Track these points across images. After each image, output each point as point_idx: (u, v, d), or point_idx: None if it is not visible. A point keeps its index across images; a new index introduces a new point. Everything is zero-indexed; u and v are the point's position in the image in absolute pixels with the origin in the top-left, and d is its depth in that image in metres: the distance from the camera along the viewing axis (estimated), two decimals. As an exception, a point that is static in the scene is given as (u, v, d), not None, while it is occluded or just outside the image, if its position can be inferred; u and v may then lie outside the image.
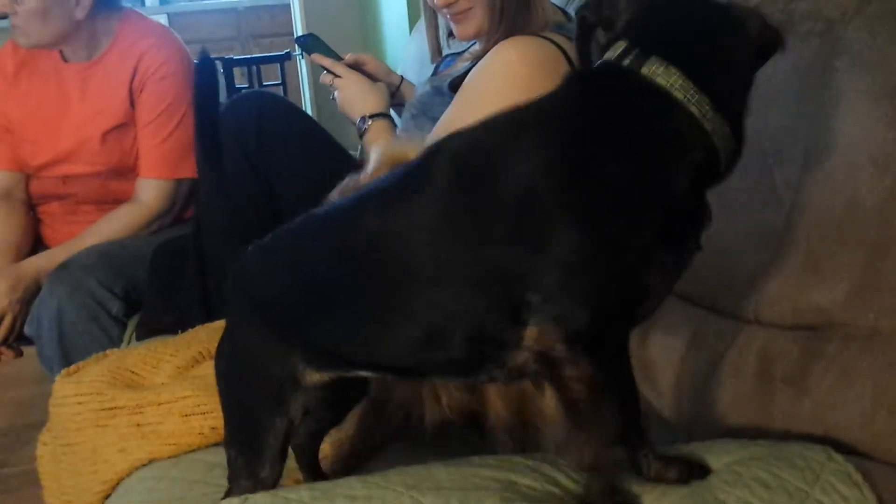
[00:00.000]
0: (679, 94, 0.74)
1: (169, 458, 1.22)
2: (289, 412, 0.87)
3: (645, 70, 0.75)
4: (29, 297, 1.81)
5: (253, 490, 0.86)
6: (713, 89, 0.74)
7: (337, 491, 0.80)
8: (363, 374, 0.88)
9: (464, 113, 1.47)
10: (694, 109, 0.74)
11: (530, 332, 0.75)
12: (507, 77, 1.45)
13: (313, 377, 0.87)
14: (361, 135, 1.65)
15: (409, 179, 0.83)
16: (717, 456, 0.85)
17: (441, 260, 0.77)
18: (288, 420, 0.87)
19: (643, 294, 0.76)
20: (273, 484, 0.88)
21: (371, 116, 1.63)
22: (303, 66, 3.78)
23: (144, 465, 1.23)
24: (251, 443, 0.89)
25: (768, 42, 0.81)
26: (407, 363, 0.83)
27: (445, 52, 1.77)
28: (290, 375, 0.87)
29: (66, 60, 1.95)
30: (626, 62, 0.77)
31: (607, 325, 0.75)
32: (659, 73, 0.74)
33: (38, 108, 1.95)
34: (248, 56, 3.76)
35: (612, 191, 0.73)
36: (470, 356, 0.79)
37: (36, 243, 2.01)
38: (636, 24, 0.80)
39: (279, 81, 3.91)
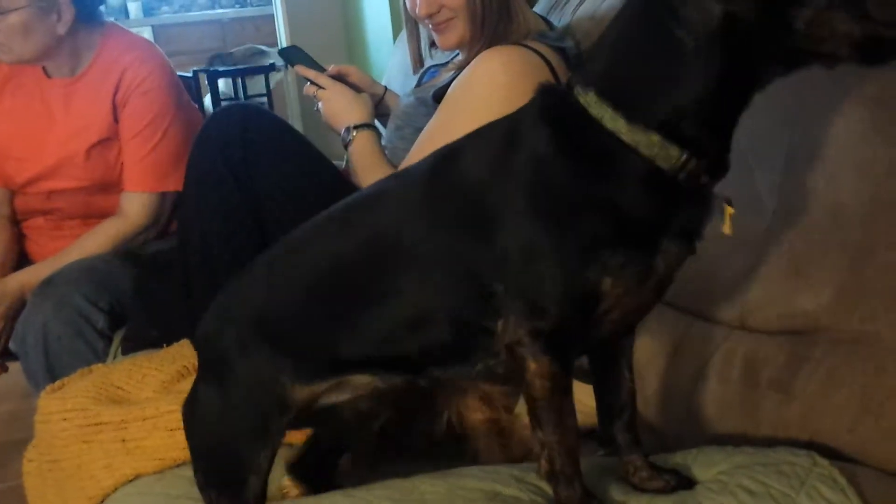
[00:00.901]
0: (594, 111, 0.79)
1: (154, 473, 1.21)
2: (273, 442, 0.90)
3: (576, 89, 0.82)
4: (13, 312, 1.79)
5: None
6: (628, 105, 0.78)
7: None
8: (357, 378, 0.89)
9: (447, 123, 1.48)
10: (609, 125, 0.78)
11: (501, 323, 0.80)
12: (490, 87, 1.45)
13: (302, 392, 0.88)
14: (346, 145, 1.65)
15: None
16: (703, 466, 0.85)
17: (423, 245, 0.85)
18: (272, 450, 0.90)
19: (592, 296, 0.79)
20: None
21: (356, 127, 1.63)
22: (288, 78, 3.78)
23: (130, 481, 1.22)
24: (232, 480, 0.91)
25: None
26: (400, 350, 0.86)
27: (428, 62, 1.77)
28: (276, 400, 0.89)
29: (49, 76, 1.94)
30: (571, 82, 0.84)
31: (564, 324, 0.79)
32: (579, 92, 0.81)
33: (22, 124, 1.94)
34: (234, 67, 3.76)
35: (550, 194, 0.80)
36: (457, 340, 0.84)
37: (20, 259, 1.99)
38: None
39: (264, 92, 3.91)
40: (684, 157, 0.78)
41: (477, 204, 0.82)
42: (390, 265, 0.86)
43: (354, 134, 1.62)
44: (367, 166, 1.58)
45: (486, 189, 0.82)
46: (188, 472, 1.17)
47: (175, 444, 1.20)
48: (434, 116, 1.53)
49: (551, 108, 0.84)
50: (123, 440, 1.24)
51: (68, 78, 1.92)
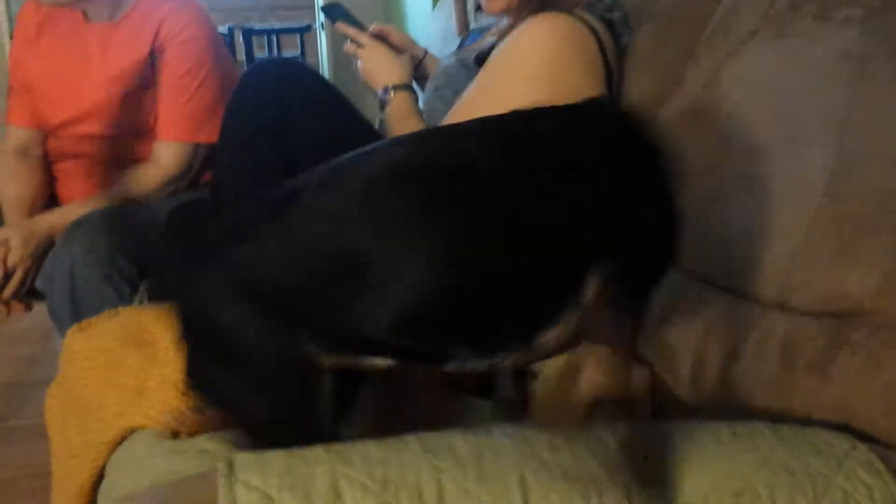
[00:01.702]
0: None
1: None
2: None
3: None
4: (41, 252, 1.80)
5: None
6: None
7: (353, 451, 0.79)
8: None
9: (488, 87, 1.46)
10: None
11: None
12: (535, 55, 1.43)
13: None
14: (383, 106, 1.64)
15: None
16: (744, 437, 0.84)
17: None
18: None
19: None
20: None
21: (394, 88, 1.62)
22: (322, 38, 3.76)
23: (138, 432, 1.22)
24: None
25: None
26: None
27: (472, 26, 1.76)
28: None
29: (88, 20, 1.93)
30: None
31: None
32: None
33: (58, 66, 1.94)
34: (270, 26, 3.73)
35: None
36: None
37: (50, 201, 2.00)
38: None
39: (298, 53, 3.89)
40: None
41: None
42: None
43: (392, 94, 1.61)
44: (403, 128, 1.57)
45: None
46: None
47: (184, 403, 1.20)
48: (475, 79, 1.51)
49: None
50: (140, 388, 1.24)
51: (107, 22, 1.91)
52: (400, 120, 1.59)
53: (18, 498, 1.98)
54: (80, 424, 1.31)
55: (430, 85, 1.70)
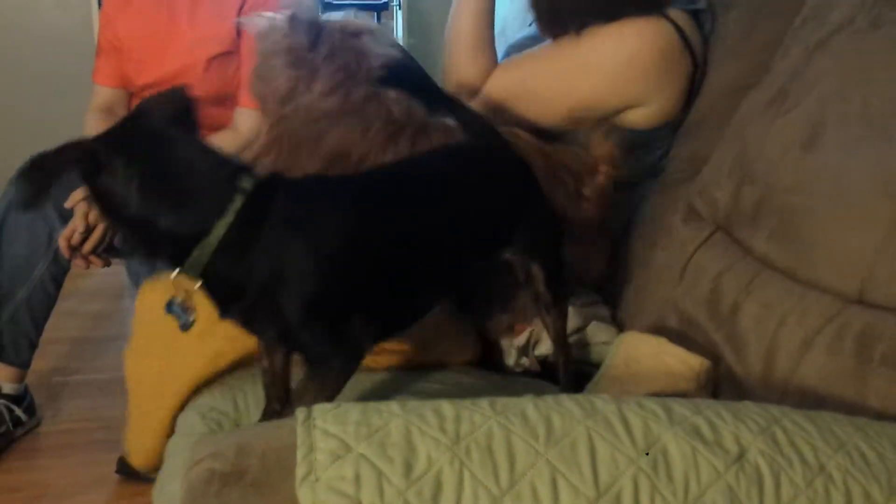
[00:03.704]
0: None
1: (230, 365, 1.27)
2: None
3: None
4: (122, 209, 1.84)
5: None
6: None
7: (426, 407, 0.80)
8: None
9: (557, 56, 1.48)
10: None
11: None
12: (616, 47, 1.45)
13: None
14: None
15: None
16: (823, 423, 0.83)
17: None
18: None
19: None
20: None
21: None
22: (398, 15, 3.78)
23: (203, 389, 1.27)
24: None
25: None
26: None
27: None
28: None
29: (178, -16, 1.97)
30: None
31: None
32: None
33: (147, 28, 1.98)
34: (347, 1, 3.76)
35: None
36: None
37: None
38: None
39: (375, 28, 3.92)
40: None
41: None
42: None
43: None
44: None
45: None
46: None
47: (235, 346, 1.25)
48: (549, 44, 1.51)
49: None
50: (204, 338, 1.27)
51: (198, -12, 1.95)
52: (455, 28, 1.55)
53: (88, 449, 2.04)
54: (156, 365, 1.35)
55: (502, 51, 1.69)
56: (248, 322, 1.03)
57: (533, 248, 1.18)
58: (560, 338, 1.24)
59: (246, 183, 0.97)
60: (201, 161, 0.99)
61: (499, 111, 1.48)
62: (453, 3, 1.56)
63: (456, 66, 1.54)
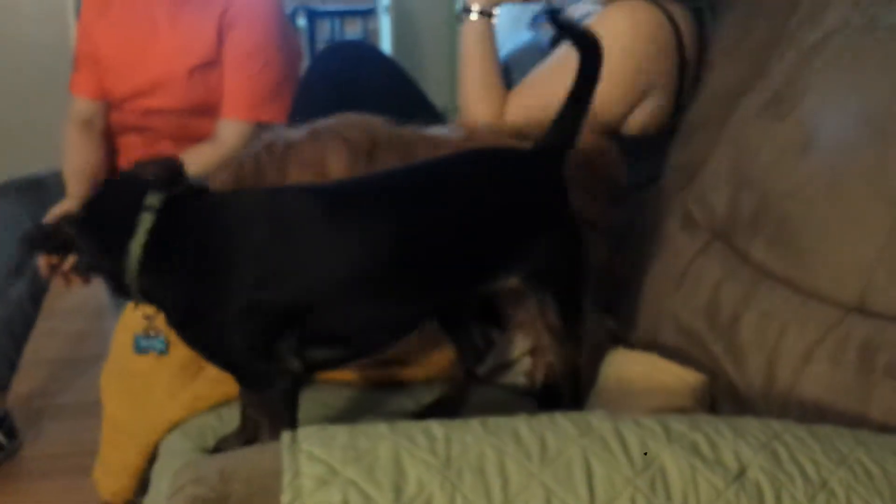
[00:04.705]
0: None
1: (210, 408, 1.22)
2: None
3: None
4: (102, 224, 1.81)
5: None
6: None
7: (415, 429, 0.77)
8: None
9: (557, 71, 1.44)
10: None
11: None
12: (612, 47, 1.41)
13: None
14: (459, 20, 1.59)
15: None
16: (824, 437, 0.81)
17: None
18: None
19: None
20: None
21: (480, 12, 1.56)
22: (384, 22, 3.78)
23: (184, 422, 1.23)
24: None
25: None
26: None
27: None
28: None
29: (158, -7, 1.94)
30: None
31: None
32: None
33: (126, 38, 1.94)
34: (333, 8, 3.77)
35: None
36: None
37: (112, 173, 2.01)
38: None
39: (361, 35, 3.92)
40: None
41: None
42: None
43: (473, 18, 1.55)
44: (469, 61, 1.55)
45: None
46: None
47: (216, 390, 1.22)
48: (546, 62, 1.49)
49: None
50: (190, 367, 1.24)
51: (177, -4, 1.91)
52: (467, 49, 1.56)
53: (67, 473, 1.98)
54: (131, 401, 1.31)
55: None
56: (190, 345, 1.01)
57: (547, 275, 1.04)
58: (571, 369, 1.11)
59: (152, 200, 0.95)
60: (117, 190, 1.03)
61: (526, 134, 1.46)
62: (460, 49, 1.58)
63: (472, 105, 1.55)
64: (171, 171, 1.00)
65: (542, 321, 1.07)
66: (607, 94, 1.31)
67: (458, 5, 1.59)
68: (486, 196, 1.02)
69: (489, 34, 1.56)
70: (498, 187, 1.03)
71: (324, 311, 0.97)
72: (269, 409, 0.98)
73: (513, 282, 1.05)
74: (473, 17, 1.55)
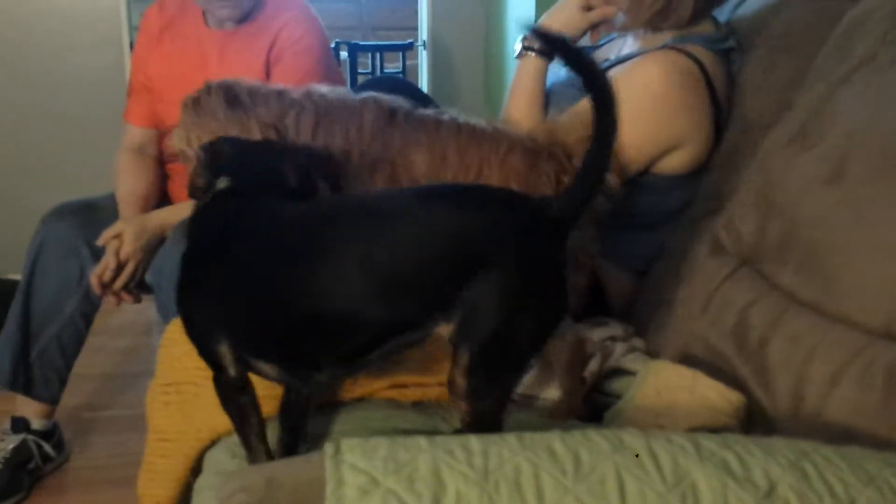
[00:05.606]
0: None
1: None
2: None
3: None
4: (152, 246, 1.87)
5: None
6: None
7: (454, 442, 0.80)
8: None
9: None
10: None
11: None
12: (644, 94, 1.45)
13: None
14: (519, 55, 1.66)
15: None
16: (854, 457, 0.82)
17: None
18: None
19: None
20: None
21: (538, 52, 1.63)
22: (422, 56, 3.85)
23: (229, 437, 1.25)
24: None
25: None
26: None
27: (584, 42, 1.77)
28: None
29: (208, 26, 2.01)
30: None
31: None
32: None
33: (177, 69, 2.02)
34: (374, 43, 3.87)
35: None
36: None
37: (163, 198, 2.08)
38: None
39: (400, 70, 4.02)
40: None
41: None
42: None
43: (530, 55, 1.63)
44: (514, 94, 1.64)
45: None
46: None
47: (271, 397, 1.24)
48: (581, 103, 1.52)
49: None
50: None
51: (227, 29, 1.98)
52: (520, 81, 1.64)
53: (116, 485, 2.04)
54: (180, 411, 1.35)
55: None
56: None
57: (470, 322, 0.92)
58: (476, 424, 0.96)
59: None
60: None
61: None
62: (513, 80, 1.67)
63: (516, 113, 1.64)
64: None
65: (454, 369, 0.95)
66: (632, 136, 1.35)
67: (515, 46, 1.67)
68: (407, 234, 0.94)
69: (543, 73, 1.64)
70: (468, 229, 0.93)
71: (258, 322, 1.03)
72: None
73: (441, 328, 0.95)
74: (531, 55, 1.62)
